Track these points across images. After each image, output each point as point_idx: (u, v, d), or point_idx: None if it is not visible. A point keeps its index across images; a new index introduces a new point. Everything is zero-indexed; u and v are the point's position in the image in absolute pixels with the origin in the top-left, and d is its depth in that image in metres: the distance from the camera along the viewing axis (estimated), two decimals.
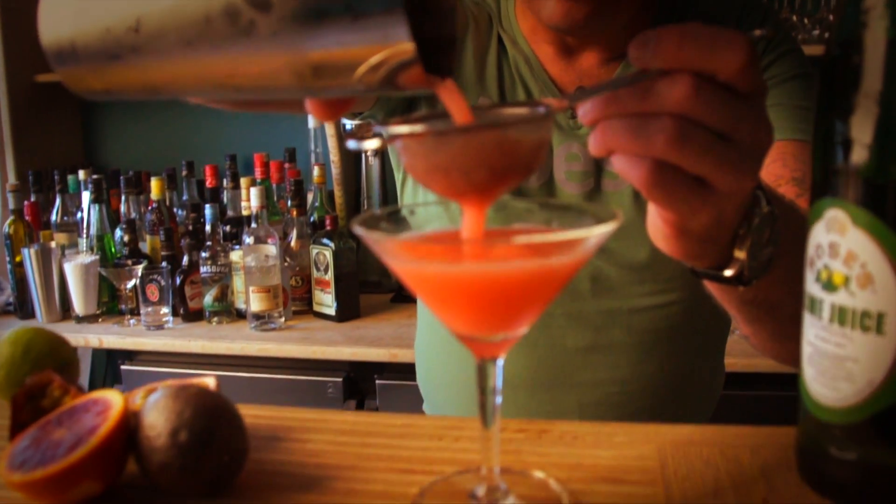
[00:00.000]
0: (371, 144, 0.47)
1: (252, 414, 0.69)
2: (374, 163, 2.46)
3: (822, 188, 0.49)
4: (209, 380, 0.68)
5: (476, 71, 1.06)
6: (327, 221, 2.18)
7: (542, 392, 1.07)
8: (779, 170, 0.92)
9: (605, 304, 1.05)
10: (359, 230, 0.48)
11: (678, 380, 1.09)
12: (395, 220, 0.55)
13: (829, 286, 0.49)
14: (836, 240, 0.48)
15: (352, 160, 2.51)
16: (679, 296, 1.05)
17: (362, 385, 2.10)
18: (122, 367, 2.24)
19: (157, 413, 0.56)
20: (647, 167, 0.50)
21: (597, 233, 0.45)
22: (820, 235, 0.50)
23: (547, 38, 1.05)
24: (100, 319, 2.32)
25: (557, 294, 0.50)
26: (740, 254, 0.61)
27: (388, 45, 0.42)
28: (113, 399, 0.59)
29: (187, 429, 0.54)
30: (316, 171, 2.37)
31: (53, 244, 2.35)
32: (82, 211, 2.43)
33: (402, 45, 0.42)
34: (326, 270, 2.15)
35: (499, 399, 0.53)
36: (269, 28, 0.43)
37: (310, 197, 2.39)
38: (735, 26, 1.04)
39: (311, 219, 2.33)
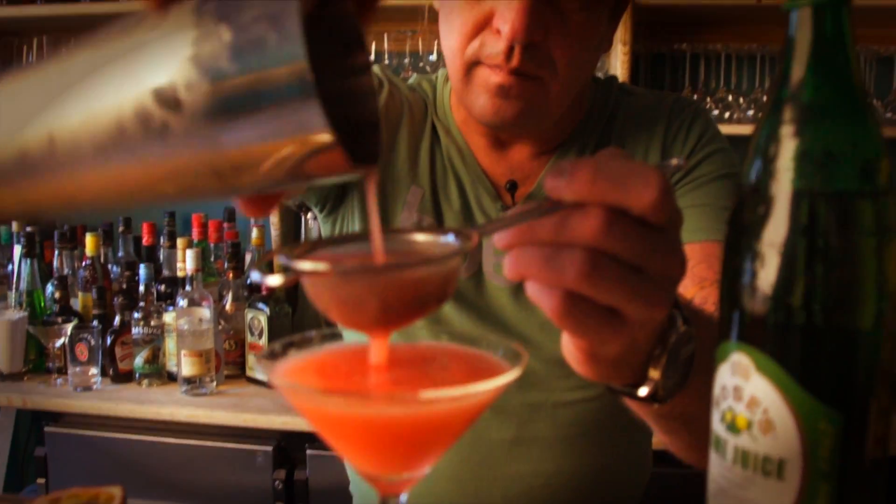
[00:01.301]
0: (274, 281, 0.46)
1: None
2: (314, 226, 2.44)
3: (728, 331, 0.50)
4: (115, 490, 0.66)
5: (409, 159, 1.07)
6: (263, 286, 2.15)
7: (467, 484, 1.06)
8: (703, 272, 0.93)
9: (530, 398, 1.05)
10: (261, 364, 0.47)
11: (604, 473, 1.09)
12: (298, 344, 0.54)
13: (733, 428, 0.49)
14: (740, 384, 0.49)
15: (291, 222, 2.49)
16: (603, 391, 1.05)
17: (293, 454, 2.07)
18: (46, 429, 2.18)
19: None
20: (558, 297, 0.51)
21: (495, 385, 0.45)
22: (725, 377, 0.50)
23: (479, 130, 1.06)
24: (25, 378, 2.25)
25: (463, 433, 0.49)
26: (654, 374, 0.61)
27: (305, 135, 0.41)
28: None
29: None
30: (255, 232, 2.35)
31: None
32: (13, 264, 2.37)
33: (321, 134, 0.41)
34: (261, 335, 2.12)
35: None
36: (182, 128, 0.42)
37: (248, 258, 2.37)
38: (665, 126, 1.06)
39: (248, 280, 2.31)
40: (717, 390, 0.51)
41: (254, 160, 0.43)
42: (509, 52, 0.90)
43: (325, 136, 0.41)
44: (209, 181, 0.44)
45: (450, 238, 0.51)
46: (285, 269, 0.47)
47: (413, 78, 1.17)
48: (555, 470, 1.06)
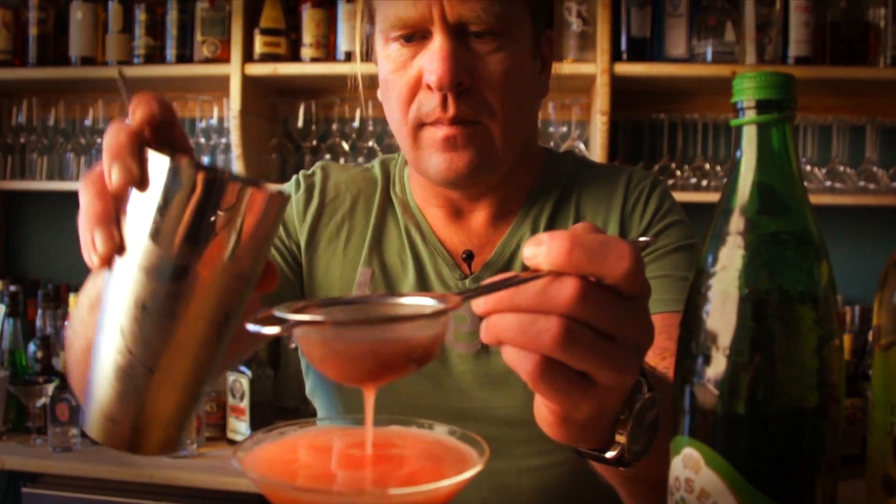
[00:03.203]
0: (270, 331, 0.49)
1: None
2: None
3: (680, 425, 0.53)
4: None
5: (358, 242, 1.11)
6: None
7: None
8: (664, 342, 0.95)
9: (493, 466, 1.06)
10: (236, 459, 0.49)
11: None
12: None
13: None
14: (692, 476, 0.51)
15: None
16: (567, 456, 1.07)
17: None
18: (24, 489, 2.16)
19: None
20: (533, 362, 0.53)
21: (461, 479, 0.47)
22: (678, 469, 0.53)
23: (436, 203, 1.10)
24: (3, 437, 2.24)
25: None
26: (621, 438, 0.64)
27: (232, 200, 0.53)
28: None
29: None
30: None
31: None
32: None
33: (234, 190, 0.53)
34: (242, 398, 2.13)
35: None
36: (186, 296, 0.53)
37: None
38: (623, 198, 1.10)
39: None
40: (671, 481, 0.54)
41: (240, 247, 0.53)
42: (444, 103, 0.95)
43: (234, 187, 0.52)
44: (245, 289, 0.56)
45: (433, 302, 0.53)
46: (281, 323, 0.49)
47: (374, 161, 1.21)
48: None
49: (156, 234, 0.52)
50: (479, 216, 1.10)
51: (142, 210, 0.53)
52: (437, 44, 0.95)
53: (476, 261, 1.09)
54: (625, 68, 2.28)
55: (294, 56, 2.44)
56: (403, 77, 0.98)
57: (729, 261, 0.50)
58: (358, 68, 1.16)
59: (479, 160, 0.98)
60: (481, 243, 1.11)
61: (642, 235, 1.07)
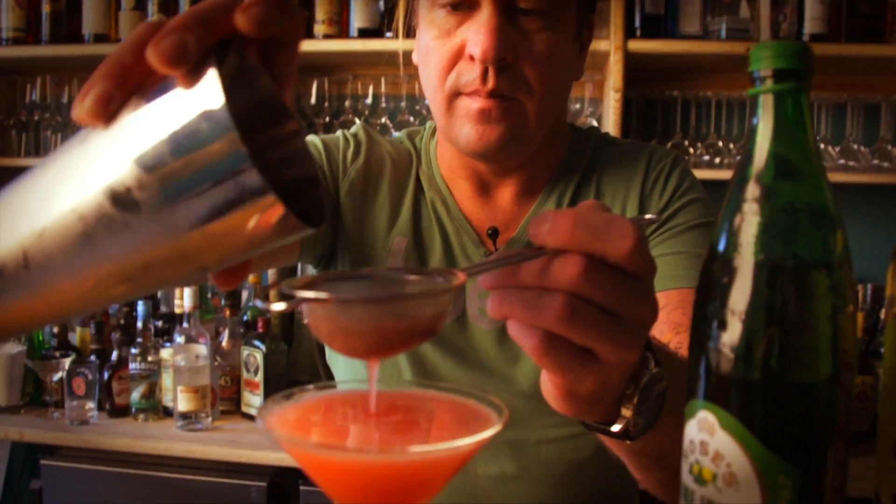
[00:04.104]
0: (277, 307, 0.50)
1: None
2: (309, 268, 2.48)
3: (695, 390, 0.54)
4: None
5: (392, 211, 1.11)
6: (259, 323, 2.19)
7: None
8: (679, 317, 0.96)
9: (514, 435, 1.08)
10: (260, 417, 0.51)
11: None
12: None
13: (700, 480, 0.53)
14: (706, 439, 0.52)
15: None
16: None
17: (287, 490, 2.09)
18: (42, 462, 2.19)
19: None
20: (537, 337, 0.55)
21: (481, 438, 0.49)
22: (693, 432, 0.54)
23: (464, 175, 1.11)
24: (22, 411, 2.27)
25: (449, 481, 0.53)
26: (626, 412, 0.65)
27: (252, 200, 0.45)
28: None
29: None
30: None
31: None
32: None
33: (265, 197, 0.44)
34: (256, 372, 2.15)
35: None
36: (143, 224, 0.45)
37: (244, 295, 2.40)
38: (643, 175, 1.10)
39: (245, 318, 2.34)
40: (686, 444, 0.55)
41: (214, 237, 0.46)
42: (484, 76, 0.95)
43: (268, 199, 0.44)
44: (178, 266, 0.48)
45: (438, 277, 0.55)
46: (287, 299, 0.50)
47: (400, 133, 1.22)
48: None
49: (146, 157, 0.45)
50: (506, 192, 1.11)
51: (154, 115, 0.45)
52: (485, 16, 0.95)
53: (501, 238, 1.10)
54: (638, 45, 2.27)
55: (306, 32, 2.44)
56: (446, 45, 0.99)
57: (744, 227, 0.51)
58: (399, 45, 1.16)
59: (510, 135, 0.99)
60: (506, 220, 1.12)
61: (662, 213, 1.08)
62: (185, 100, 0.44)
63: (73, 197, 0.47)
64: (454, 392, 0.58)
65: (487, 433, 0.49)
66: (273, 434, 0.49)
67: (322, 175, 1.10)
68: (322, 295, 0.51)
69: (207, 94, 0.44)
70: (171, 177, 0.45)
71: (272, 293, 0.54)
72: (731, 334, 0.51)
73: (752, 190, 0.52)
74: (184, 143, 0.44)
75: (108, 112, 0.46)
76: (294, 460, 0.50)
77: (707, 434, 0.52)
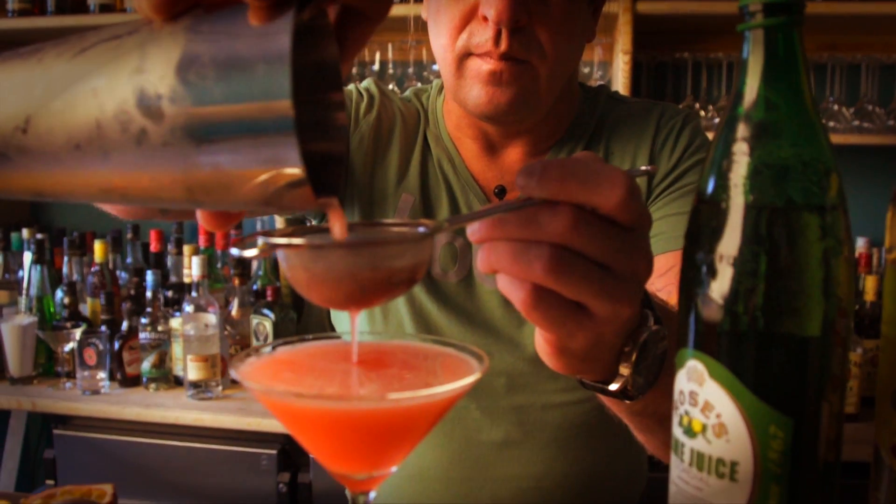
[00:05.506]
0: (250, 253, 0.49)
1: None
2: None
3: (685, 338, 0.52)
4: (106, 487, 0.68)
5: (400, 168, 1.10)
6: (269, 292, 2.18)
7: (456, 485, 1.09)
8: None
9: (518, 400, 1.07)
10: (232, 366, 0.49)
11: (596, 476, 1.11)
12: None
13: (689, 432, 0.51)
14: (696, 389, 0.51)
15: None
16: (592, 393, 1.07)
17: (297, 458, 2.09)
18: (55, 431, 2.21)
19: None
20: (526, 290, 0.53)
21: (459, 385, 0.47)
22: (682, 383, 0.52)
23: (471, 134, 1.09)
24: (34, 381, 2.29)
25: (427, 433, 0.52)
26: (625, 370, 0.64)
27: (278, 167, 0.42)
28: None
29: None
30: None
31: None
32: (23, 270, 2.41)
33: (293, 169, 0.42)
34: (266, 341, 2.15)
35: None
36: (160, 138, 0.43)
37: (254, 265, 2.39)
38: (653, 133, 1.08)
39: (255, 286, 2.33)
40: (675, 395, 0.53)
41: (225, 183, 0.44)
42: (497, 37, 0.93)
43: (296, 172, 0.42)
44: (177, 194, 0.45)
45: (420, 228, 0.53)
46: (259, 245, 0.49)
47: (406, 92, 1.20)
48: (545, 472, 1.08)
49: (190, 72, 0.42)
50: (514, 152, 1.09)
51: (213, 35, 0.43)
52: None
53: (508, 196, 1.08)
54: (647, 6, 2.23)
55: None
56: (459, 3, 0.96)
57: (734, 168, 0.49)
58: (407, 9, 1.14)
59: (521, 99, 0.97)
60: (513, 180, 1.10)
61: (672, 172, 1.06)
62: (251, 33, 0.42)
63: (100, 81, 0.44)
64: (436, 343, 0.57)
65: (465, 381, 0.47)
66: (248, 384, 0.48)
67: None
68: (295, 241, 0.49)
69: (277, 38, 0.41)
70: (207, 103, 0.42)
71: (249, 241, 0.52)
72: (720, 279, 0.49)
73: (742, 130, 0.50)
74: (233, 76, 0.42)
75: (172, 10, 0.43)
76: (271, 412, 0.49)
77: (696, 384, 0.51)
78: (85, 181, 0.47)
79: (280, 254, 0.51)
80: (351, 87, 1.16)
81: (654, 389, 0.66)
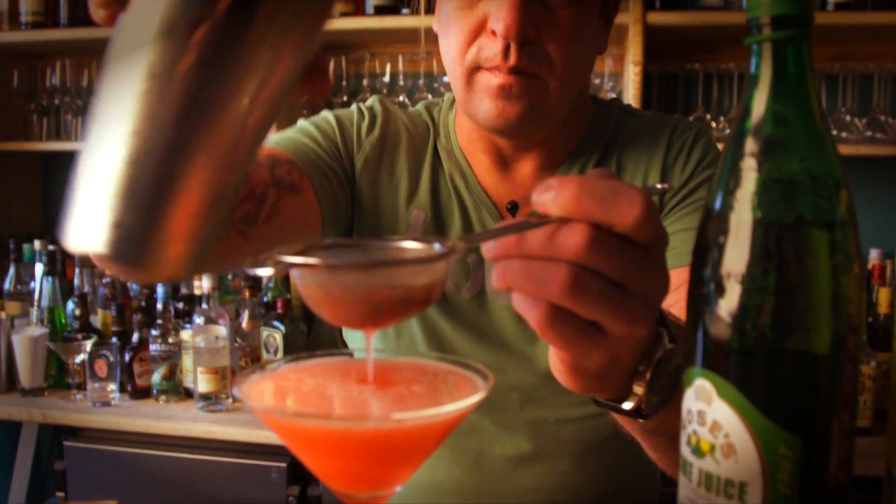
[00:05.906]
0: (265, 272, 0.48)
1: None
2: None
3: (692, 357, 0.51)
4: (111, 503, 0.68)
5: (411, 184, 1.09)
6: (279, 304, 2.18)
7: (470, 498, 1.08)
8: None
9: (533, 414, 1.06)
10: (237, 386, 0.49)
11: (609, 490, 1.10)
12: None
13: (698, 452, 0.51)
14: (704, 408, 0.50)
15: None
16: None
17: (306, 471, 2.08)
18: (66, 443, 2.21)
19: None
20: (541, 309, 0.52)
21: (462, 406, 0.47)
22: (690, 402, 0.51)
23: (483, 148, 1.08)
24: (45, 393, 2.29)
25: (432, 452, 0.51)
26: (639, 389, 0.63)
27: None
28: None
29: None
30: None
31: (3, 315, 2.33)
32: (35, 281, 2.42)
33: None
34: (276, 353, 2.15)
35: None
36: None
37: (264, 277, 2.40)
38: (666, 148, 1.07)
39: (265, 298, 2.34)
40: (683, 414, 0.53)
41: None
42: (506, 51, 0.92)
43: None
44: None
45: (436, 246, 0.53)
46: (276, 264, 0.49)
47: (418, 105, 1.19)
48: (558, 486, 1.07)
49: None
50: (526, 167, 1.09)
51: None
52: None
53: (520, 213, 1.08)
54: (658, 17, 2.23)
55: None
56: (468, 17, 0.96)
57: (742, 183, 0.49)
58: (418, 21, 1.14)
59: (531, 112, 0.96)
60: (527, 194, 1.09)
61: (684, 187, 1.05)
62: None
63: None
64: (441, 360, 0.57)
65: (470, 401, 0.47)
66: (250, 404, 0.48)
67: (337, 152, 1.08)
68: (311, 260, 0.49)
69: None
70: None
71: (262, 259, 0.52)
72: (728, 296, 0.48)
73: (750, 144, 0.49)
74: None
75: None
76: (273, 431, 0.49)
77: (704, 403, 0.50)
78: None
79: (295, 272, 0.50)
80: (353, 107, 1.15)
81: (668, 408, 0.65)
